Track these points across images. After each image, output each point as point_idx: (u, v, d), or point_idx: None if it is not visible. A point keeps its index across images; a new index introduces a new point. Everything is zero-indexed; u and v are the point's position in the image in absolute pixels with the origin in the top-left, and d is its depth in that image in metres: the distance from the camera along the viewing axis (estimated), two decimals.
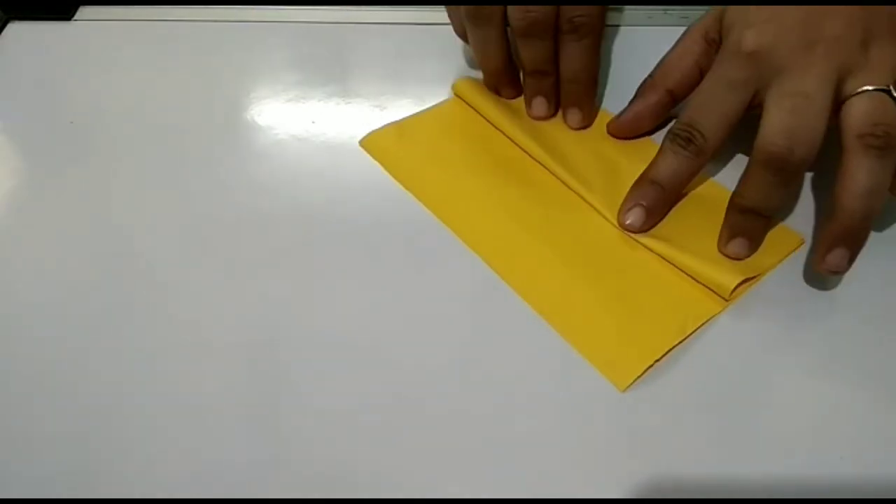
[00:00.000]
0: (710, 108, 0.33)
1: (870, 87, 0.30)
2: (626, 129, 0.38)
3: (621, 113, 0.38)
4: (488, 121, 0.39)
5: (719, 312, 0.32)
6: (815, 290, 0.33)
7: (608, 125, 0.39)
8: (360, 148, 0.38)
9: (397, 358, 0.31)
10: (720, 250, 0.34)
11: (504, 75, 0.39)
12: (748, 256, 0.33)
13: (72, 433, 0.29)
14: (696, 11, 0.46)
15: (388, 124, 0.39)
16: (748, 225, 0.33)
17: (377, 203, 0.36)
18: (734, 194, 0.33)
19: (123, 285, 0.33)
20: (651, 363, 0.30)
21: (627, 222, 0.34)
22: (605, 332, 0.31)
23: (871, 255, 0.32)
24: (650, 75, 0.38)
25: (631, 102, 0.38)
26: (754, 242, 0.33)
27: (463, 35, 0.39)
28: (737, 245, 0.33)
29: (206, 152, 0.39)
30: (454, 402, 0.29)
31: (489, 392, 0.30)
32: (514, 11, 0.36)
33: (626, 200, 0.35)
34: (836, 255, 0.31)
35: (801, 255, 0.34)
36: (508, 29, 0.37)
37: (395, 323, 0.32)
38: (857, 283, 0.33)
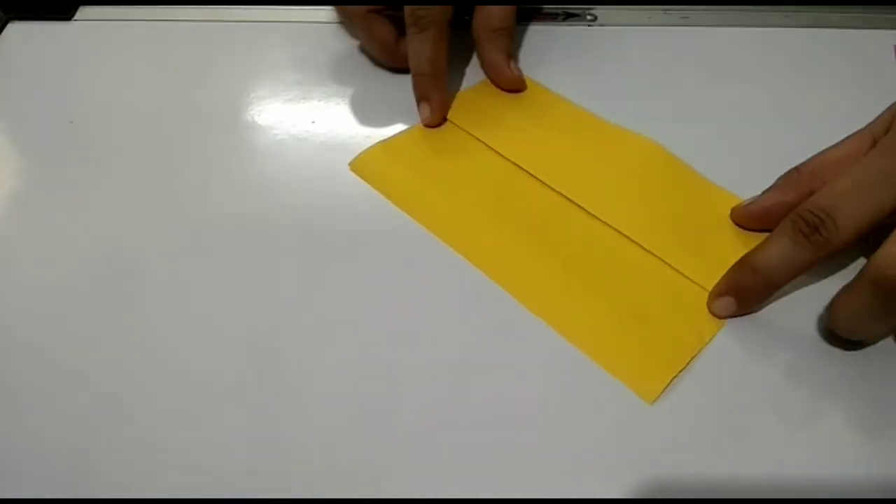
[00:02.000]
0: (856, 198, 0.28)
1: None
2: (753, 222, 0.34)
3: (752, 201, 0.34)
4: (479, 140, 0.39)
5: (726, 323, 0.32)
6: (816, 294, 0.33)
7: (734, 211, 0.34)
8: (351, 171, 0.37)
9: (398, 362, 0.31)
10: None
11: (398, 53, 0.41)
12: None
13: (71, 433, 0.29)
14: (696, 11, 0.46)
15: (376, 144, 0.38)
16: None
17: (378, 203, 0.36)
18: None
19: (123, 285, 0.33)
20: (676, 374, 0.30)
21: (714, 310, 0.31)
22: (626, 346, 0.31)
23: None
24: (797, 168, 0.33)
25: (766, 191, 0.33)
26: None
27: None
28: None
29: (206, 152, 0.39)
30: (451, 401, 0.29)
31: (486, 393, 0.30)
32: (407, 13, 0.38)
33: (718, 283, 0.31)
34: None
35: None
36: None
37: (396, 327, 0.32)
38: None
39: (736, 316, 0.31)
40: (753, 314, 0.32)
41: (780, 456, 0.28)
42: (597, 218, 0.35)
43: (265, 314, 0.32)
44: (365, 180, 0.37)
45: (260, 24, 0.45)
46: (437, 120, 0.39)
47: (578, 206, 0.35)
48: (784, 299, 0.32)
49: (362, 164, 0.38)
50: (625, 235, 0.34)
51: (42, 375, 0.30)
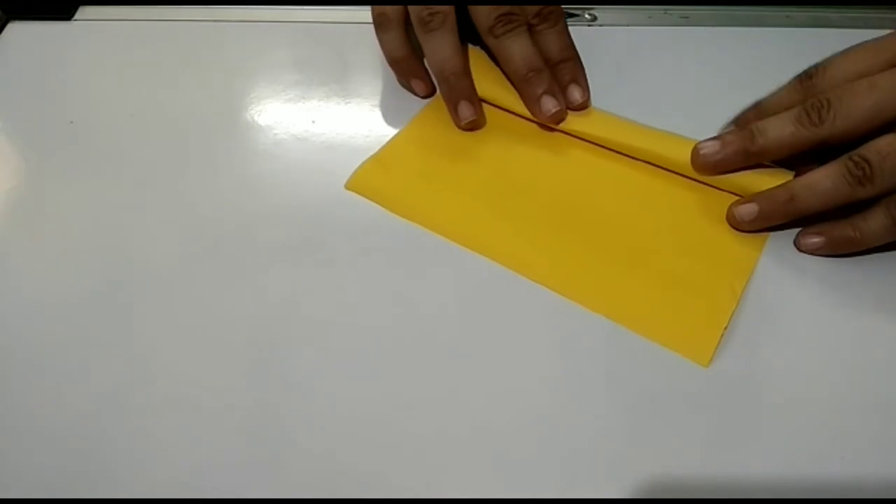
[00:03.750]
0: (860, 93, 0.31)
1: None
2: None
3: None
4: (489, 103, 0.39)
5: (756, 263, 0.33)
6: (817, 295, 0.33)
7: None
8: (347, 190, 0.37)
9: (402, 358, 0.31)
10: (731, 208, 0.34)
11: (411, 64, 0.39)
12: (749, 225, 0.34)
13: (72, 432, 0.29)
14: (696, 11, 0.46)
15: (367, 160, 0.38)
16: (779, 209, 0.33)
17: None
18: (795, 183, 0.33)
19: (123, 285, 0.33)
20: (722, 332, 0.31)
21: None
22: (667, 314, 0.32)
23: (873, 271, 0.33)
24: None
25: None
26: (764, 221, 0.34)
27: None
28: (747, 209, 0.34)
29: (206, 152, 0.39)
30: (447, 398, 0.29)
31: (482, 394, 0.30)
32: (486, 14, 0.37)
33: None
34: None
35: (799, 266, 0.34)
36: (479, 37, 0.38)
37: (405, 322, 0.32)
38: (861, 288, 0.33)
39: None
40: (744, 316, 0.32)
41: (761, 453, 0.28)
42: (612, 157, 0.37)
43: (265, 312, 0.32)
44: (363, 197, 0.36)
45: (260, 24, 0.45)
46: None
47: (595, 144, 0.37)
48: (773, 304, 0.32)
49: (358, 183, 0.37)
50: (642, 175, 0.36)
51: (43, 374, 0.30)
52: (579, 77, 0.39)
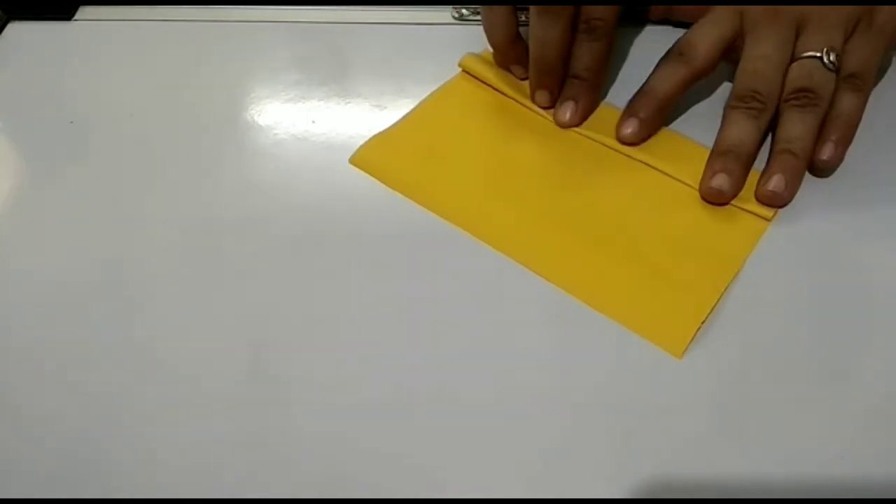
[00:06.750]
0: (705, 28, 0.37)
1: (806, 55, 0.35)
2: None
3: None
4: (500, 92, 0.40)
5: (741, 268, 0.33)
6: (813, 293, 0.33)
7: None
8: (351, 165, 0.38)
9: (408, 356, 0.31)
10: (703, 186, 0.35)
11: (511, 50, 0.40)
12: (730, 191, 0.35)
13: (71, 432, 0.29)
14: None
15: (374, 136, 0.39)
16: (729, 165, 0.35)
17: (379, 201, 0.36)
18: (716, 140, 0.36)
19: (122, 285, 0.33)
20: (699, 325, 0.31)
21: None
22: (647, 304, 0.32)
23: (863, 272, 0.33)
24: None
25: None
26: (734, 178, 0.35)
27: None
28: (720, 179, 0.35)
29: (206, 152, 0.39)
30: (448, 396, 0.29)
31: (481, 393, 0.30)
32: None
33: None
34: (776, 179, 0.34)
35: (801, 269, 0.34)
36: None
37: (404, 321, 0.32)
38: (852, 288, 0.33)
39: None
40: (741, 317, 0.32)
41: (761, 453, 0.28)
42: (607, 162, 0.37)
43: (265, 315, 0.32)
44: (366, 173, 0.37)
45: (260, 24, 0.45)
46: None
47: (592, 140, 0.38)
48: (767, 308, 0.32)
49: (362, 158, 0.38)
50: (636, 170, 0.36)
51: (42, 374, 0.30)
52: (579, 97, 0.38)
